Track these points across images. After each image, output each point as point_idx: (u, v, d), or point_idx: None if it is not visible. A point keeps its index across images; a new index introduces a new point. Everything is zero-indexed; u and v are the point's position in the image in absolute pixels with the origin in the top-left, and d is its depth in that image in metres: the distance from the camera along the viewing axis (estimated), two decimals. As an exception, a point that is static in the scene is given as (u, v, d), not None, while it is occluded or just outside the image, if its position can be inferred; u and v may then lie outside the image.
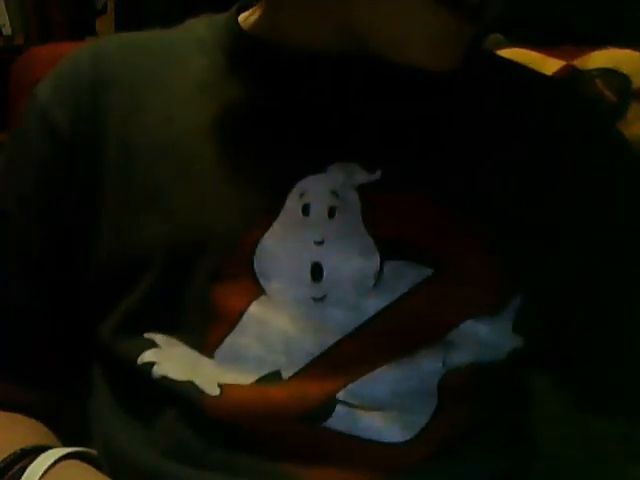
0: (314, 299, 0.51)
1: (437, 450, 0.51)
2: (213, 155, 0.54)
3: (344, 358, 0.51)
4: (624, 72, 0.78)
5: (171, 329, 0.53)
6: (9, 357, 0.59)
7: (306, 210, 0.52)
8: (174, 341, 0.52)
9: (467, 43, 0.52)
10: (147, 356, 0.52)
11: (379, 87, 0.55)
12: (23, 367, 0.59)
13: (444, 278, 0.52)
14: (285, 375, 0.51)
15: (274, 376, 0.51)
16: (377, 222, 0.52)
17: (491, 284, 0.53)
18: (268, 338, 0.51)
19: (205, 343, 0.52)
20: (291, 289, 0.51)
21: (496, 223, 0.54)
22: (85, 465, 0.52)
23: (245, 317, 0.51)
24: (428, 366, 0.51)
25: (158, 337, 0.53)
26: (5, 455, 0.51)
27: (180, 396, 0.51)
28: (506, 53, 0.73)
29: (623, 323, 0.58)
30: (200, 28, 0.61)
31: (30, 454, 0.51)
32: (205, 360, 0.51)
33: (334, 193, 0.52)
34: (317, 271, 0.51)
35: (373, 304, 0.51)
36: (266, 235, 0.52)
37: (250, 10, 0.60)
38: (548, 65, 0.79)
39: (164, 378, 0.52)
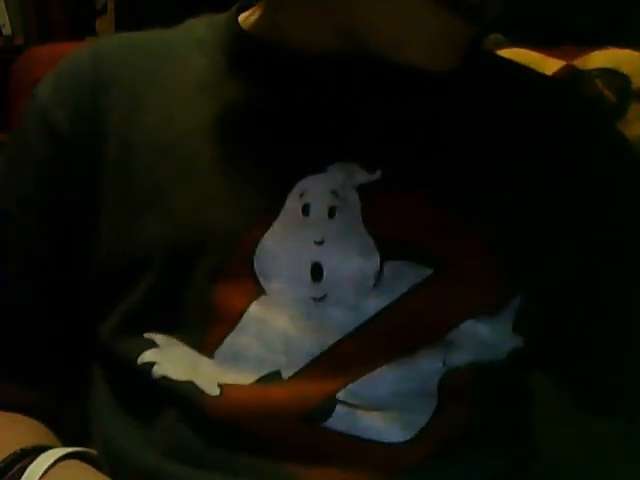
0: (314, 299, 0.51)
1: (437, 450, 0.51)
2: (213, 155, 0.54)
3: (344, 358, 0.51)
4: (624, 72, 0.78)
5: (171, 329, 0.53)
6: (9, 357, 0.59)
7: (306, 210, 0.52)
8: (174, 341, 0.52)
9: (467, 43, 0.52)
10: (147, 356, 0.52)
11: (379, 87, 0.55)
12: (23, 367, 0.59)
13: (444, 278, 0.52)
14: (285, 375, 0.51)
15: (274, 376, 0.51)
16: (377, 222, 0.52)
17: (491, 284, 0.53)
18: (268, 338, 0.51)
19: (205, 343, 0.52)
20: (291, 289, 0.51)
21: (496, 223, 0.54)
22: (85, 465, 0.52)
23: (245, 317, 0.51)
24: (428, 366, 0.51)
25: (158, 337, 0.53)
26: (5, 455, 0.51)
27: (180, 396, 0.51)
28: (506, 53, 0.73)
29: (623, 323, 0.58)
30: (200, 28, 0.60)
31: (30, 454, 0.51)
32: (205, 360, 0.51)
33: (334, 193, 0.52)
34: (317, 271, 0.51)
35: (373, 304, 0.51)
36: (266, 235, 0.52)
37: (250, 10, 0.60)
38: (548, 65, 0.79)
39: (164, 378, 0.52)
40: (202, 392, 0.51)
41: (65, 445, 0.55)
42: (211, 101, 0.56)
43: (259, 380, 0.51)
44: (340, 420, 0.50)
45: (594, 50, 0.80)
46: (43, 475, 0.49)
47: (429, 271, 0.52)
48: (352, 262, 0.52)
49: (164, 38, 0.61)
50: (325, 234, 0.52)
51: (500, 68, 0.61)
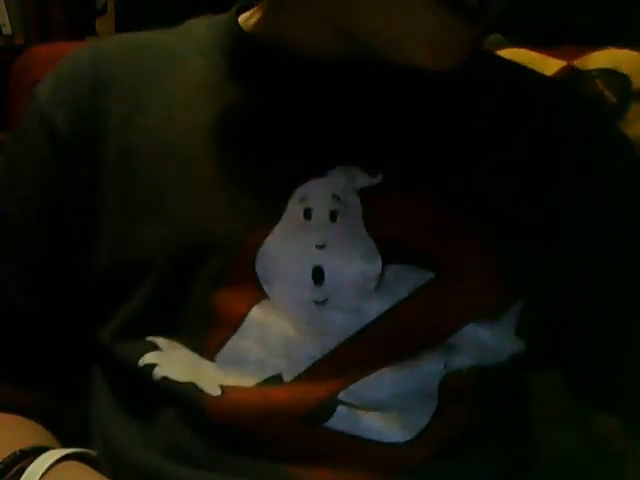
0: (316, 302, 0.51)
1: (437, 450, 0.51)
2: (213, 158, 0.54)
3: (345, 361, 0.51)
4: (624, 72, 0.78)
5: (172, 332, 0.52)
6: (8, 358, 0.59)
7: (308, 214, 0.52)
8: (175, 344, 0.52)
9: (470, 43, 0.52)
10: (148, 358, 0.52)
11: (379, 89, 0.55)
12: (22, 368, 0.59)
13: (445, 282, 0.52)
14: (286, 378, 0.51)
15: (275, 379, 0.51)
16: (379, 225, 0.52)
17: (492, 288, 0.53)
18: (269, 341, 0.51)
19: (206, 346, 0.52)
20: (292, 293, 0.51)
21: (497, 224, 0.54)
22: (84, 466, 0.52)
23: (246, 321, 0.51)
24: (429, 368, 0.51)
25: (159, 340, 0.53)
26: (4, 456, 0.51)
27: (180, 396, 0.51)
28: (506, 53, 0.73)
29: (623, 323, 0.58)
30: (200, 29, 0.60)
31: (29, 455, 0.51)
32: (206, 363, 0.51)
33: (335, 197, 0.52)
34: (319, 275, 0.51)
35: (374, 307, 0.51)
36: (267, 239, 0.52)
37: (250, 11, 0.60)
38: (548, 65, 0.79)
39: (165, 379, 0.52)
40: (203, 393, 0.51)
41: (65, 446, 0.55)
42: (211, 103, 0.55)
43: (260, 383, 0.51)
44: (341, 420, 0.50)
45: (594, 50, 0.80)
46: (42, 476, 0.49)
47: (431, 275, 0.52)
48: (354, 266, 0.51)
49: (164, 39, 0.61)
50: (327, 238, 0.52)
51: (500, 68, 0.61)
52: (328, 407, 0.50)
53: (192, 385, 0.51)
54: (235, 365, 0.51)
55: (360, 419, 0.50)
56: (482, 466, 0.53)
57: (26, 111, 0.59)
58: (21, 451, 0.51)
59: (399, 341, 0.51)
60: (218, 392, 0.51)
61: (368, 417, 0.50)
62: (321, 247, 0.52)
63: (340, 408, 0.50)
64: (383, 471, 0.50)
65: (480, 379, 0.53)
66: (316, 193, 0.52)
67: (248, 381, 0.51)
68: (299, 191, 0.52)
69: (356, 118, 0.54)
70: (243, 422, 0.50)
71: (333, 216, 0.52)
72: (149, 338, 0.53)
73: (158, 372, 0.52)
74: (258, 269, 0.51)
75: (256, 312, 0.51)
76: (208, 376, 0.51)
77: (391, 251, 0.52)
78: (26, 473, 0.49)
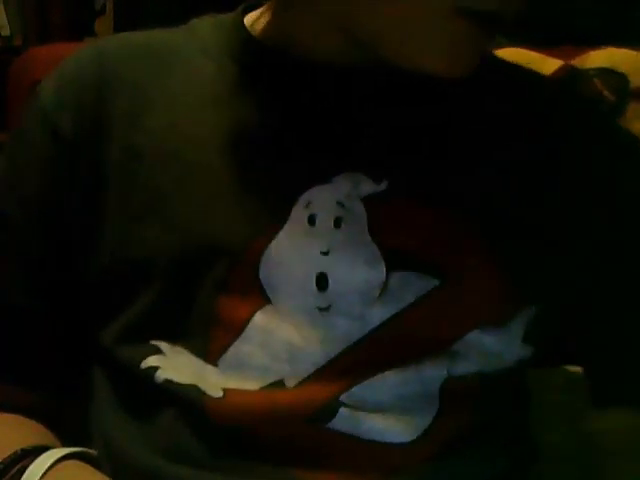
0: (319, 309, 0.51)
1: (439, 451, 0.51)
2: (218, 164, 0.53)
3: (348, 366, 0.51)
4: (622, 71, 0.78)
5: (175, 337, 0.52)
6: (8, 358, 0.59)
7: (312, 220, 0.52)
8: (178, 349, 0.52)
9: (484, 50, 0.52)
10: (151, 361, 0.52)
11: (385, 94, 0.55)
12: (22, 368, 0.58)
13: (450, 289, 0.52)
14: (289, 384, 0.51)
15: (278, 384, 0.51)
16: (383, 232, 0.52)
17: (497, 294, 0.53)
18: (272, 347, 0.51)
19: (209, 351, 0.51)
20: (296, 299, 0.51)
21: (499, 225, 0.54)
22: (85, 465, 0.52)
23: (250, 326, 0.51)
24: (431, 373, 0.51)
25: (162, 344, 0.53)
26: (5, 455, 0.51)
27: (182, 398, 0.51)
28: (506, 53, 0.73)
29: (624, 323, 0.58)
30: (205, 29, 0.60)
31: (30, 454, 0.51)
32: (209, 368, 0.51)
33: (340, 204, 0.52)
34: (323, 281, 0.51)
35: (378, 314, 0.51)
36: (272, 245, 0.51)
37: (257, 12, 0.59)
38: (547, 65, 0.79)
39: (167, 381, 0.52)
40: (204, 394, 0.51)
41: (65, 446, 0.55)
42: (218, 109, 0.55)
43: (263, 388, 0.51)
44: (343, 421, 0.50)
45: (592, 50, 0.81)
46: (43, 475, 0.49)
47: (435, 282, 0.52)
48: (358, 272, 0.51)
49: (168, 38, 0.60)
50: (331, 244, 0.52)
51: (499, 68, 0.61)
52: (330, 409, 0.50)
53: (194, 387, 0.51)
54: (238, 370, 0.51)
55: (362, 420, 0.50)
56: (482, 466, 0.53)
57: (28, 111, 0.58)
58: (22, 450, 0.51)
59: (402, 348, 0.51)
60: (220, 394, 0.50)
61: (370, 418, 0.50)
62: (325, 253, 0.52)
63: (342, 410, 0.50)
64: (385, 471, 0.50)
65: (483, 383, 0.53)
66: (321, 199, 0.52)
67: (251, 385, 0.51)
68: (304, 197, 0.52)
69: (362, 124, 0.54)
70: (245, 424, 0.50)
71: (337, 223, 0.52)
72: (152, 342, 0.53)
73: (160, 375, 0.52)
74: (262, 275, 0.51)
75: (260, 317, 0.51)
76: (210, 380, 0.51)
77: (395, 258, 0.52)
78: (27, 472, 0.49)
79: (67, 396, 0.60)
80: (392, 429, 0.50)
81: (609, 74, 0.78)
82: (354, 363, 0.51)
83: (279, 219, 0.52)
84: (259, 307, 0.51)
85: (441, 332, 0.52)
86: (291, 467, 0.50)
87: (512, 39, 0.82)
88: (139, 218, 0.53)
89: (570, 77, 0.79)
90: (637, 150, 0.60)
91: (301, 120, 0.54)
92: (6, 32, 2.04)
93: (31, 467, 0.50)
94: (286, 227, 0.52)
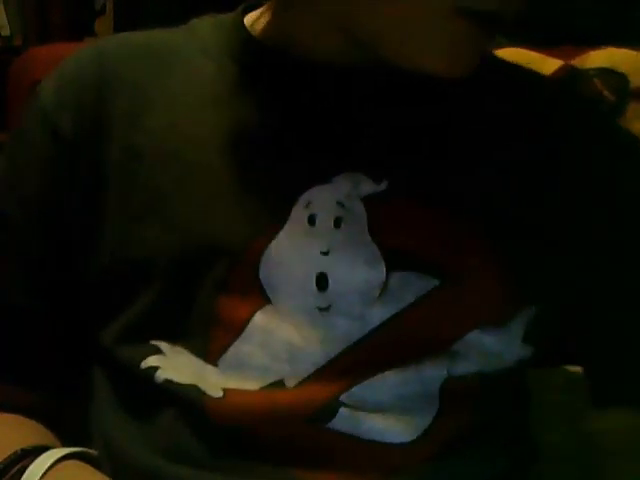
0: (319, 309, 0.51)
1: (439, 451, 0.51)
2: (218, 164, 0.53)
3: (348, 366, 0.51)
4: (622, 71, 0.78)
5: (175, 337, 0.52)
6: (8, 358, 0.59)
7: (312, 220, 0.52)
8: (178, 349, 0.52)
9: (484, 50, 0.52)
10: (151, 361, 0.52)
11: (385, 94, 0.55)
12: (23, 368, 0.58)
13: (450, 289, 0.52)
14: (289, 384, 0.51)
15: (278, 384, 0.51)
16: (383, 232, 0.52)
17: (497, 294, 0.53)
18: (272, 347, 0.51)
19: (209, 351, 0.51)
20: (296, 299, 0.51)
21: (499, 226, 0.54)
22: (85, 465, 0.52)
23: (250, 326, 0.51)
24: (431, 373, 0.51)
25: (162, 345, 0.53)
26: (5, 455, 0.51)
27: (182, 398, 0.51)
28: (506, 53, 0.73)
29: (624, 323, 0.58)
30: (205, 29, 0.60)
31: (30, 454, 0.51)
32: (209, 368, 0.51)
33: (340, 204, 0.52)
34: (323, 281, 0.51)
35: (378, 314, 0.51)
36: (272, 245, 0.51)
37: (257, 12, 0.59)
38: (547, 65, 0.79)
39: (167, 381, 0.52)
40: (204, 394, 0.51)
41: (66, 446, 0.55)
42: (218, 110, 0.55)
43: (263, 388, 0.51)
44: (343, 421, 0.50)
45: (592, 50, 0.81)
46: (43, 475, 0.49)
47: (435, 282, 0.52)
48: (358, 272, 0.51)
49: (168, 38, 0.60)
50: (331, 244, 0.52)
51: (499, 69, 0.61)
52: (330, 409, 0.50)
53: (194, 387, 0.51)
54: (238, 370, 0.51)
55: (362, 420, 0.50)
56: (482, 466, 0.53)
57: (28, 111, 0.58)
58: (22, 450, 0.51)
59: (402, 348, 0.51)
60: (220, 394, 0.50)
61: (370, 418, 0.50)
62: (325, 254, 0.52)
63: (342, 410, 0.50)
64: (385, 471, 0.50)
65: (483, 383, 0.53)
66: (321, 199, 0.52)
67: (251, 385, 0.51)
68: (304, 197, 0.52)
69: (362, 124, 0.54)
70: (245, 424, 0.50)
71: (337, 223, 0.52)
72: (152, 342, 0.53)
73: (160, 375, 0.52)
74: (262, 275, 0.51)
75: (260, 317, 0.51)
76: (210, 380, 0.51)
77: (395, 258, 0.52)
78: (27, 472, 0.49)
79: (67, 396, 0.60)
80: (392, 429, 0.50)
81: (609, 74, 0.78)
82: (354, 363, 0.51)
83: (279, 219, 0.52)
84: (259, 307, 0.51)
85: (441, 332, 0.52)
86: (291, 467, 0.50)
87: (512, 39, 0.82)
88: (139, 218, 0.53)
89: (570, 77, 0.79)
90: (637, 150, 0.60)
91: (301, 120, 0.54)
92: (6, 32, 2.04)
93: (31, 467, 0.50)
94: (286, 227, 0.52)
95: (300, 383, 0.51)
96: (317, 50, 0.54)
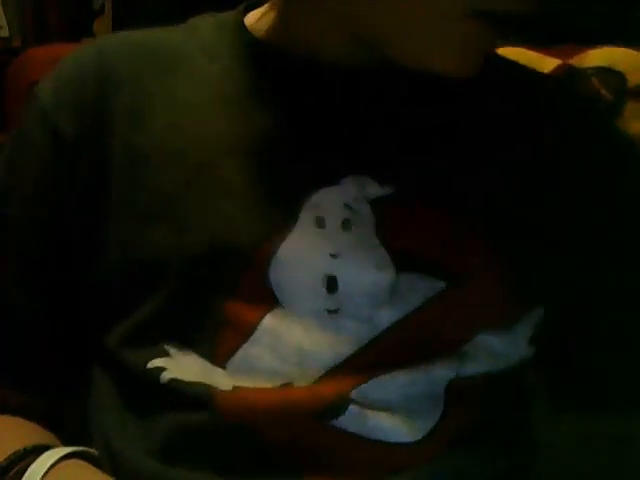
0: (328, 311, 0.51)
1: (441, 452, 0.51)
2: (225, 166, 0.53)
3: (358, 367, 0.51)
4: (620, 70, 0.78)
5: (183, 340, 0.52)
6: (8, 359, 0.58)
7: (320, 222, 0.52)
8: (186, 351, 0.52)
9: (492, 49, 0.51)
10: (157, 362, 0.52)
11: (391, 95, 0.55)
12: (21, 370, 0.58)
13: (457, 292, 0.52)
14: (298, 386, 0.50)
15: (287, 387, 0.50)
16: (391, 235, 0.52)
17: (503, 296, 0.53)
18: (282, 350, 0.51)
19: (217, 354, 0.51)
20: (306, 301, 0.51)
21: (503, 226, 0.54)
22: (86, 464, 0.52)
23: (259, 329, 0.51)
24: (440, 373, 0.51)
25: (169, 347, 0.52)
26: (6, 455, 0.51)
27: (188, 396, 0.51)
28: (504, 52, 0.73)
29: (624, 323, 0.58)
30: (205, 29, 0.59)
31: (31, 454, 0.51)
32: (217, 370, 0.51)
33: (347, 206, 0.52)
34: (332, 283, 0.51)
35: (387, 316, 0.51)
36: (281, 248, 0.51)
37: (259, 12, 0.59)
38: (545, 64, 0.79)
39: (173, 380, 0.51)
40: (213, 388, 0.50)
41: (66, 445, 0.55)
42: (224, 111, 0.55)
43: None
44: (351, 419, 0.50)
45: (590, 49, 0.81)
46: (45, 474, 0.49)
47: (442, 284, 0.52)
48: (367, 275, 0.51)
49: (168, 37, 0.59)
50: (340, 247, 0.52)
51: (501, 67, 0.61)
52: (340, 405, 0.50)
53: (201, 384, 0.51)
54: (246, 372, 0.51)
55: (369, 419, 0.50)
56: (483, 466, 0.53)
57: (26, 112, 0.58)
58: (24, 450, 0.51)
59: (411, 349, 0.51)
60: (229, 388, 0.50)
61: (376, 417, 0.50)
62: (334, 256, 0.51)
63: (351, 407, 0.50)
64: (387, 471, 0.50)
65: (486, 383, 0.53)
66: (328, 201, 0.52)
67: (260, 387, 0.51)
68: (312, 199, 0.52)
69: (367, 124, 0.54)
70: (253, 420, 0.50)
71: (345, 225, 0.52)
72: (159, 344, 0.52)
73: (166, 375, 0.51)
74: (271, 277, 0.51)
75: (269, 320, 0.51)
76: (219, 379, 0.51)
77: (403, 260, 0.52)
78: (29, 471, 0.49)
79: (67, 396, 0.60)
80: (398, 429, 0.50)
81: (607, 73, 0.78)
82: (363, 364, 0.51)
83: (288, 221, 0.52)
84: (268, 310, 0.51)
85: (449, 333, 0.52)
86: (297, 465, 0.50)
87: (511, 38, 0.82)
88: (146, 220, 0.53)
89: (568, 76, 0.79)
90: (634, 149, 0.60)
91: (307, 121, 0.54)
92: (5, 33, 2.04)
93: (33, 466, 0.50)
94: (295, 229, 0.52)
95: (310, 385, 0.50)
96: (322, 50, 0.54)
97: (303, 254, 0.51)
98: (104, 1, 1.98)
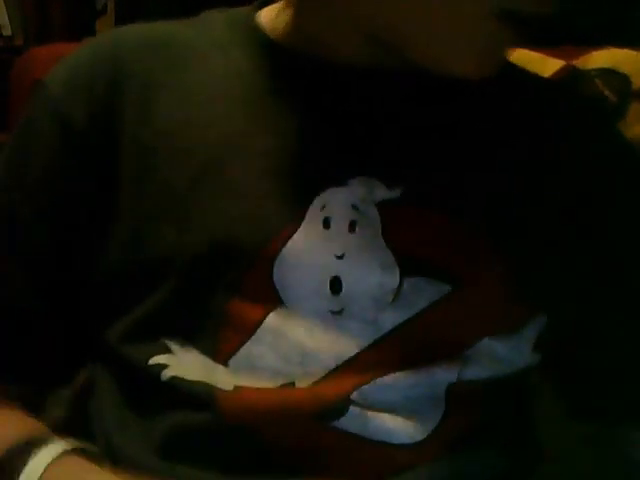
0: (332, 312, 0.51)
1: (442, 453, 0.51)
2: (233, 163, 0.53)
3: (360, 368, 0.51)
4: (624, 72, 0.78)
5: (185, 337, 0.52)
6: (8, 357, 0.58)
7: (327, 223, 0.52)
8: (188, 348, 0.52)
9: (509, 51, 0.51)
10: (159, 359, 0.52)
11: (410, 96, 0.55)
12: (21, 368, 0.58)
13: (462, 296, 0.52)
14: (300, 386, 0.50)
15: (289, 386, 0.50)
16: (397, 238, 0.52)
17: (509, 302, 0.53)
18: (284, 349, 0.51)
19: (219, 351, 0.51)
20: (309, 301, 0.51)
21: (510, 233, 0.54)
22: (86, 460, 0.52)
23: (261, 327, 0.51)
24: (442, 376, 0.51)
25: (172, 343, 0.52)
26: (6, 446, 0.50)
27: (190, 395, 0.51)
28: (509, 54, 0.73)
29: (624, 325, 0.58)
30: (217, 25, 0.59)
31: (29, 448, 0.50)
32: (219, 368, 0.51)
33: (354, 207, 0.52)
34: (336, 284, 0.51)
35: (390, 319, 0.51)
36: (287, 247, 0.51)
37: (272, 10, 0.58)
38: (548, 65, 0.79)
39: (174, 378, 0.51)
40: (215, 387, 0.50)
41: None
42: (236, 110, 0.54)
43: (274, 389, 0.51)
44: (352, 420, 0.50)
45: (594, 50, 0.81)
46: (45, 470, 0.49)
47: (447, 288, 0.52)
48: (372, 277, 0.51)
49: (181, 31, 0.59)
50: (345, 248, 0.51)
51: (505, 68, 0.61)
52: (341, 406, 0.50)
53: (203, 383, 0.51)
54: (248, 371, 0.51)
55: (370, 420, 0.50)
56: (484, 467, 0.53)
57: (34, 102, 0.57)
58: (27, 443, 0.51)
59: (414, 352, 0.51)
60: (230, 388, 0.50)
61: (377, 418, 0.50)
62: (340, 257, 0.51)
63: (352, 408, 0.50)
64: (388, 472, 0.50)
65: (488, 387, 0.53)
66: (336, 202, 0.52)
67: (262, 386, 0.51)
68: (319, 199, 0.52)
69: (381, 125, 0.54)
70: (254, 420, 0.50)
71: (352, 226, 0.52)
72: (161, 341, 0.52)
73: (167, 372, 0.51)
74: (276, 276, 0.51)
75: (272, 319, 0.51)
76: (221, 377, 0.51)
77: (408, 263, 0.51)
78: (28, 467, 0.49)
79: (51, 388, 0.59)
80: (399, 430, 0.50)
81: (611, 74, 0.78)
82: (366, 365, 0.51)
83: (294, 220, 0.51)
84: (272, 309, 0.51)
85: (453, 337, 0.52)
86: (298, 466, 0.50)
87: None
88: (153, 217, 0.53)
89: (571, 77, 0.79)
90: (635, 151, 0.60)
91: (320, 122, 0.54)
92: (7, 32, 2.04)
93: (31, 463, 0.49)
94: (301, 229, 0.51)
95: (311, 385, 0.50)
96: (339, 51, 0.54)
97: (308, 254, 0.51)
98: (107, 1, 1.98)
